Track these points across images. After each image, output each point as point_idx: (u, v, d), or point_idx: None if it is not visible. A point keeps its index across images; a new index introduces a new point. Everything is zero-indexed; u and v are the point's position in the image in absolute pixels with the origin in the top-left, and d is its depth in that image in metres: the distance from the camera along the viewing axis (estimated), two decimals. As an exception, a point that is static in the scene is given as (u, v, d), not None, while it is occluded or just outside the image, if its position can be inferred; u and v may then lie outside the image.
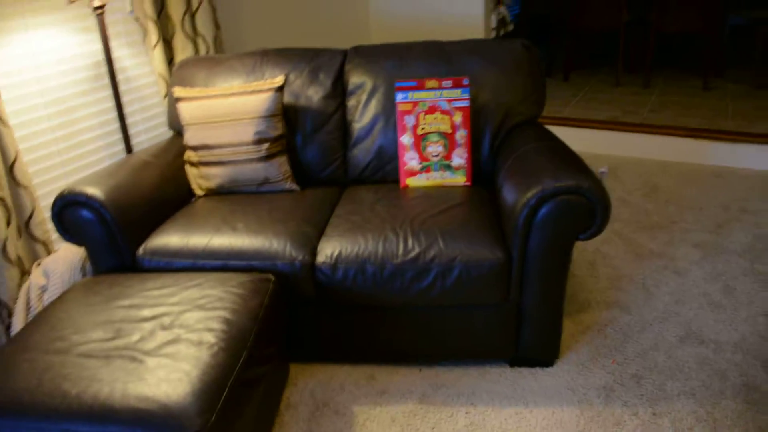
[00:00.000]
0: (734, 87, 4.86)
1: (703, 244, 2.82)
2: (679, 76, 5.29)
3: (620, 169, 3.76)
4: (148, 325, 1.62)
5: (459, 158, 2.33)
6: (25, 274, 2.13)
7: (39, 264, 2.15)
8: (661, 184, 3.51)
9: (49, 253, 2.23)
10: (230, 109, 2.30)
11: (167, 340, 1.56)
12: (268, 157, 2.33)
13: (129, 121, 2.69)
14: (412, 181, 2.37)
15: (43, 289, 2.10)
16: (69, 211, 1.99)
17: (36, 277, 2.11)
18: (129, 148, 2.60)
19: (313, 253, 1.99)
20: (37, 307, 2.08)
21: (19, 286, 2.10)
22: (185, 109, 2.34)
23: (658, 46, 5.12)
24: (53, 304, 1.77)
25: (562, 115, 4.38)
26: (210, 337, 1.57)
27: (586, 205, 1.84)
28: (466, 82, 2.26)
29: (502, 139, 2.40)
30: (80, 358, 1.51)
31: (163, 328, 1.61)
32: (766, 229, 2.93)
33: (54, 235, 2.33)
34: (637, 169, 3.74)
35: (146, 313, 1.68)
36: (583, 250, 2.82)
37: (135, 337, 1.58)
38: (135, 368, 1.47)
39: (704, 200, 3.27)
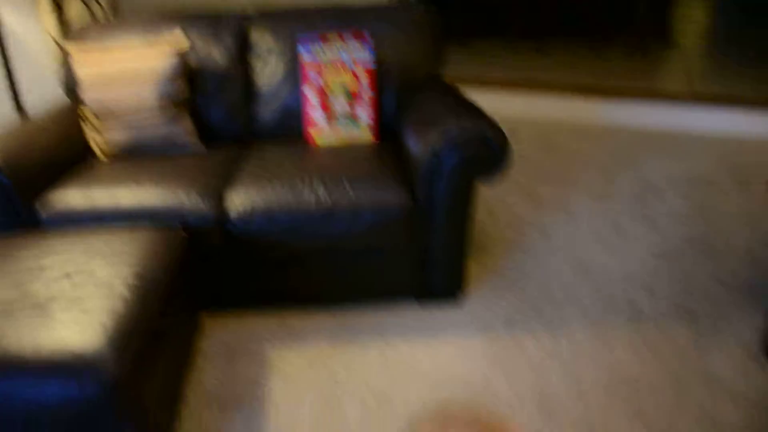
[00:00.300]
0: (620, 50, 5.19)
1: (596, 193, 3.03)
2: (570, 41, 5.58)
3: (519, 129, 3.95)
4: (54, 281, 1.58)
5: (365, 115, 2.39)
6: None
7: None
8: (557, 141, 3.72)
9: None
10: (131, 70, 2.24)
11: (76, 293, 1.53)
12: (172, 119, 2.30)
13: (19, 87, 2.57)
14: (319, 138, 2.41)
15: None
16: (-40, 174, 1.90)
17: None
18: (21, 113, 2.48)
19: (222, 205, 2.00)
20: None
21: None
22: (82, 69, 2.26)
23: (550, 13, 5.38)
24: (-52, 268, 1.69)
25: (461, 76, 4.52)
26: (122, 289, 1.56)
27: (487, 149, 1.94)
28: (366, 35, 2.32)
29: (406, 96, 2.48)
30: (-19, 316, 1.46)
31: (72, 281, 1.57)
32: (651, 178, 3.18)
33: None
34: (534, 129, 3.94)
35: (51, 268, 1.63)
36: (485, 200, 2.96)
37: (40, 291, 1.53)
38: (43, 321, 1.44)
39: (596, 154, 3.50)
